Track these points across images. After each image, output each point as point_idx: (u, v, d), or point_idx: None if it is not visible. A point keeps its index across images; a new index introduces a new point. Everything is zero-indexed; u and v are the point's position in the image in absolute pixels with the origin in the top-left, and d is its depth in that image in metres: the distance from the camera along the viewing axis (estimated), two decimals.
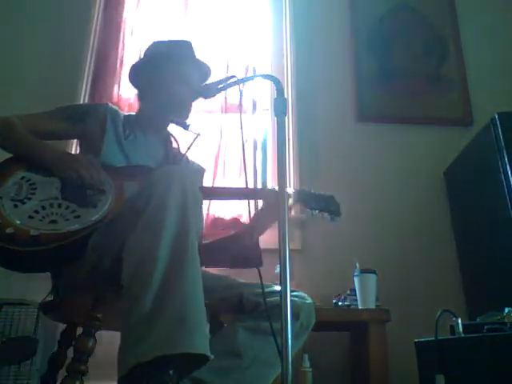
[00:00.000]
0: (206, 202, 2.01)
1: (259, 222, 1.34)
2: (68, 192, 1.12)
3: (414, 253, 2.18)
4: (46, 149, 1.20)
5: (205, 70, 1.45)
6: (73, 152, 2.12)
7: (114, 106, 1.41)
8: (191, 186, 0.97)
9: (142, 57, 1.48)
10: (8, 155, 1.21)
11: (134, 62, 1.47)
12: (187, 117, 1.43)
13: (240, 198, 1.48)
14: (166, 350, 0.78)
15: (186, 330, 0.80)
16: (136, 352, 0.79)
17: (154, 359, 0.77)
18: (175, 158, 1.44)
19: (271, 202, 1.30)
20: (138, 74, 1.44)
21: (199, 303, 0.86)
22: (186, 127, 1.42)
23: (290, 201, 1.36)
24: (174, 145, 1.49)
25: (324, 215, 1.38)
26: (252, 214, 1.38)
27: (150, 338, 0.79)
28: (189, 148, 1.46)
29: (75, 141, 2.16)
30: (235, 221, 2.14)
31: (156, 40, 1.50)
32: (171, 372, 0.83)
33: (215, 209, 2.16)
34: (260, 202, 1.39)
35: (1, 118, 1.25)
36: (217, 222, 2.11)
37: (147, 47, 1.47)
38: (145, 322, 0.81)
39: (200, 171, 1.52)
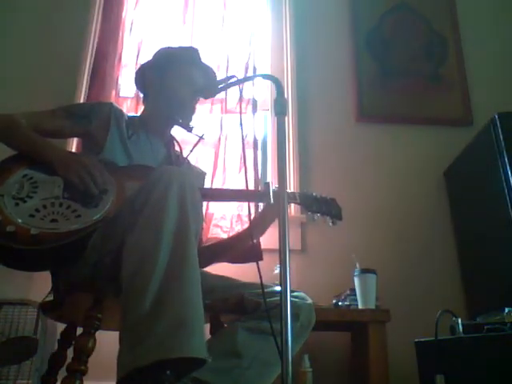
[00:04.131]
0: (205, 203, 2.01)
1: (261, 223, 1.34)
2: (70, 191, 1.12)
3: (414, 253, 2.18)
4: (49, 148, 1.20)
5: (210, 75, 1.46)
6: (73, 150, 2.12)
7: (119, 106, 1.41)
8: (190, 185, 0.97)
9: (148, 60, 1.48)
10: (11, 152, 1.20)
11: (140, 65, 1.49)
12: (191, 119, 1.43)
13: (241, 200, 1.48)
14: (164, 354, 0.77)
15: (185, 334, 0.80)
16: (134, 355, 0.79)
17: (152, 363, 0.77)
18: (177, 160, 1.45)
19: (274, 202, 1.30)
20: (143, 77, 1.45)
21: (198, 306, 0.86)
22: (189, 129, 1.42)
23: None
24: (177, 148, 1.50)
25: (325, 219, 1.38)
26: (252, 216, 1.39)
27: (148, 341, 0.79)
28: (191, 151, 1.47)
29: (75, 139, 2.16)
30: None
31: (164, 46, 1.51)
32: (168, 372, 0.83)
33: (215, 208, 2.16)
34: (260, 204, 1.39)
35: (5, 116, 1.25)
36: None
37: (155, 52, 1.48)
38: (143, 325, 0.81)
39: (201, 175, 1.52)
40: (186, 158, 1.49)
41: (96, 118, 1.32)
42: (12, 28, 2.47)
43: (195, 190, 0.99)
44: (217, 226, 2.14)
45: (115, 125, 1.33)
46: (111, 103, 1.40)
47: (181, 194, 0.93)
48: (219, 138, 2.29)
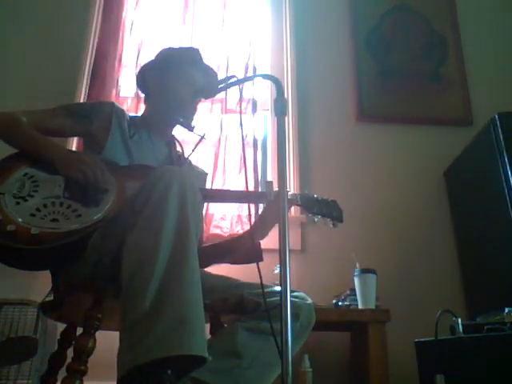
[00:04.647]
0: (205, 204, 2.01)
1: (262, 225, 1.34)
2: (70, 191, 1.12)
3: (414, 253, 2.18)
4: (50, 146, 1.20)
5: (211, 75, 1.46)
6: (74, 148, 2.12)
7: (120, 106, 1.41)
8: (191, 186, 0.97)
9: (150, 60, 1.48)
10: (12, 150, 1.20)
11: (142, 65, 1.49)
12: (192, 119, 1.43)
13: (241, 201, 1.48)
14: (164, 352, 0.78)
15: (185, 332, 0.80)
16: (134, 354, 0.79)
17: (152, 361, 0.77)
18: (178, 160, 1.45)
19: (273, 205, 1.30)
20: (145, 77, 1.45)
21: (198, 305, 0.86)
22: (191, 129, 1.42)
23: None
24: (178, 148, 1.50)
25: (326, 221, 1.38)
26: (253, 218, 1.38)
27: (147, 339, 0.79)
28: (193, 150, 1.47)
29: (75, 138, 2.16)
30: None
31: (166, 46, 1.51)
32: (169, 372, 0.83)
33: (215, 208, 2.16)
34: (261, 205, 1.39)
35: (6, 114, 1.25)
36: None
37: (158, 52, 1.48)
38: (143, 323, 0.81)
39: (202, 175, 1.52)
40: (188, 157, 1.49)
41: (97, 117, 1.31)
42: (12, 28, 2.47)
43: (196, 191, 0.99)
44: (217, 226, 2.14)
45: (117, 124, 1.33)
46: (113, 103, 1.40)
47: (181, 194, 0.93)
48: (219, 139, 2.29)
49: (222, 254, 1.39)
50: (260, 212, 1.37)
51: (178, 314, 0.81)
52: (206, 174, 1.55)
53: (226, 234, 2.11)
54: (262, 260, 1.20)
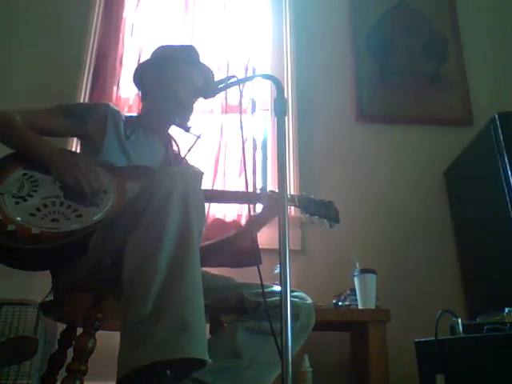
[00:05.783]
0: (206, 204, 2.01)
1: (257, 222, 1.34)
2: (70, 190, 1.12)
3: (414, 253, 2.18)
4: (44, 147, 1.19)
5: (208, 74, 1.45)
6: (73, 149, 2.12)
7: (116, 107, 1.41)
8: (193, 187, 0.96)
9: (146, 58, 1.48)
10: (9, 150, 1.20)
11: (138, 63, 1.48)
12: (189, 118, 1.43)
13: (240, 202, 1.48)
14: (164, 355, 0.78)
15: (185, 335, 0.80)
16: (134, 356, 0.79)
17: (153, 363, 0.77)
18: (175, 159, 1.45)
19: (269, 205, 1.31)
20: (142, 75, 1.45)
21: (199, 307, 0.86)
22: (187, 129, 1.42)
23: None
24: (175, 147, 1.49)
25: (323, 221, 1.39)
26: (249, 216, 1.39)
27: (148, 341, 0.79)
28: (189, 150, 1.46)
29: (75, 138, 2.16)
30: (235, 223, 2.13)
31: (163, 44, 1.50)
32: (168, 372, 0.83)
33: (215, 209, 2.16)
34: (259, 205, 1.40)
35: (1, 113, 1.24)
36: (217, 223, 2.10)
37: (154, 50, 1.48)
38: (144, 325, 0.81)
39: (198, 174, 1.52)
40: (184, 157, 1.48)
41: (92, 119, 1.31)
42: (12, 28, 2.47)
43: (199, 193, 0.98)
44: None
45: (112, 125, 1.32)
46: (107, 104, 1.39)
47: (184, 197, 0.93)
48: (219, 143, 2.28)
49: (221, 252, 1.38)
50: (256, 213, 1.37)
51: (179, 316, 0.81)
52: (203, 173, 1.55)
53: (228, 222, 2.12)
54: (261, 263, 1.21)
